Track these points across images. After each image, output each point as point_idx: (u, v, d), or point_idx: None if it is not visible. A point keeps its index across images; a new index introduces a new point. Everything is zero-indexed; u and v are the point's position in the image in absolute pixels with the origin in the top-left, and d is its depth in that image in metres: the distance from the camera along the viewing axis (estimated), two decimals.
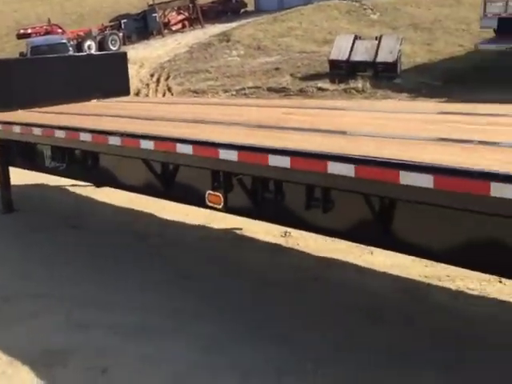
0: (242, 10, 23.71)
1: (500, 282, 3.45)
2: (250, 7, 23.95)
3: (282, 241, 4.48)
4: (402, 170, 2.37)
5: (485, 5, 10.68)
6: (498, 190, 2.05)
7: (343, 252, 4.07)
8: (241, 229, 4.74)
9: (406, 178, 2.34)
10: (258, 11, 22.47)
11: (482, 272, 2.75)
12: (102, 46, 18.82)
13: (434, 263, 3.53)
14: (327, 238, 4.15)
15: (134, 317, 3.43)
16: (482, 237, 2.53)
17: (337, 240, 4.02)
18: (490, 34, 11.32)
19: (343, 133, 3.21)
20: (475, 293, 3.42)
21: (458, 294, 3.42)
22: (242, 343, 3.04)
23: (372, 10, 17.65)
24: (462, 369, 2.73)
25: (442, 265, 3.42)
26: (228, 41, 17.06)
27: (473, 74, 10.39)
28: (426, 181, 2.26)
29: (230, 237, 4.68)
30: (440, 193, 2.27)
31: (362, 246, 3.90)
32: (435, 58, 12.28)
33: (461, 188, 2.19)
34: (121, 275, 4.07)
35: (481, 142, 2.64)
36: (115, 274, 4.11)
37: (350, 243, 3.94)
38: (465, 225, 2.54)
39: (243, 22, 19.50)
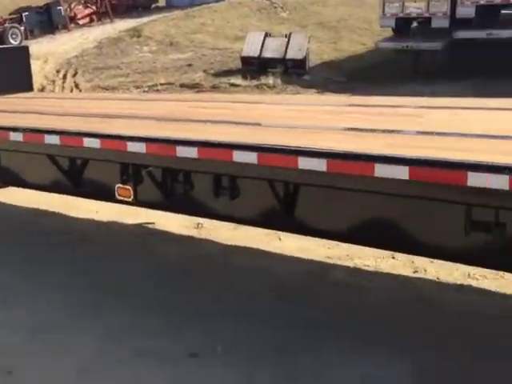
0: (153, 6, 23.29)
1: (393, 258, 3.77)
2: (162, 3, 23.59)
3: (194, 232, 4.56)
4: (300, 155, 2.54)
5: (383, 5, 11.34)
6: (381, 170, 2.27)
7: (253, 240, 4.23)
8: (153, 223, 4.75)
9: (303, 163, 2.51)
10: (170, 7, 22.17)
11: (377, 248, 3.02)
12: (1, 40, 17.67)
13: (336, 245, 3.80)
14: (239, 227, 4.29)
15: (33, 314, 3.39)
16: (374, 215, 2.77)
17: (248, 229, 4.18)
18: (389, 32, 12.06)
19: (257, 124, 3.34)
20: (371, 269, 3.72)
21: (356, 271, 3.70)
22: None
23: (282, 8, 18.10)
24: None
25: (343, 246, 3.69)
26: (139, 36, 16.71)
27: (374, 71, 11.03)
28: (320, 165, 2.45)
29: (142, 231, 4.68)
30: (333, 176, 2.46)
31: (272, 232, 4.09)
32: (340, 55, 12.87)
33: (350, 170, 2.40)
34: (22, 274, 3.96)
35: (384, 131, 2.86)
36: (16, 273, 3.98)
37: (260, 231, 4.13)
38: (359, 205, 2.77)
39: (154, 17, 19.18)
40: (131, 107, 4.67)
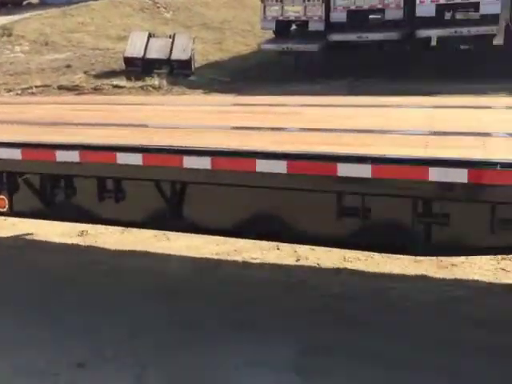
0: (25, 2, 21.80)
1: (278, 248, 3.97)
2: None
3: (78, 240, 4.38)
4: (185, 155, 2.56)
5: (264, 8, 11.73)
6: (261, 166, 2.38)
7: (141, 242, 4.18)
8: (32, 234, 4.49)
9: (188, 162, 2.54)
10: (44, 4, 20.86)
11: (263, 240, 3.16)
12: None
13: (224, 242, 3.89)
14: (126, 231, 4.22)
15: None
16: (259, 209, 2.87)
17: (136, 232, 4.13)
18: (271, 34, 12.50)
19: (143, 126, 3.30)
20: (258, 261, 3.87)
21: (244, 264, 3.83)
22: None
23: (165, 8, 17.89)
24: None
25: (231, 241, 3.80)
26: (10, 35, 15.55)
27: (257, 71, 11.39)
28: (205, 163, 2.49)
29: (20, 243, 4.40)
30: (218, 173, 2.52)
31: (160, 233, 4.08)
32: (225, 56, 13.08)
33: (234, 167, 2.48)
34: None
35: (269, 129, 2.97)
36: None
37: (148, 233, 4.10)
38: (245, 200, 2.86)
39: (27, 15, 17.95)
40: (2, 111, 4.36)
